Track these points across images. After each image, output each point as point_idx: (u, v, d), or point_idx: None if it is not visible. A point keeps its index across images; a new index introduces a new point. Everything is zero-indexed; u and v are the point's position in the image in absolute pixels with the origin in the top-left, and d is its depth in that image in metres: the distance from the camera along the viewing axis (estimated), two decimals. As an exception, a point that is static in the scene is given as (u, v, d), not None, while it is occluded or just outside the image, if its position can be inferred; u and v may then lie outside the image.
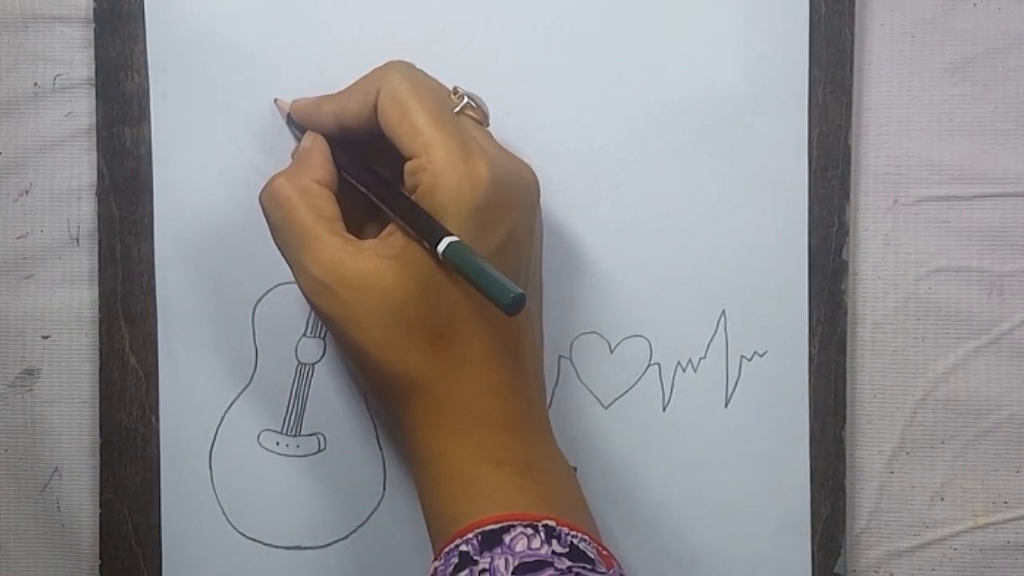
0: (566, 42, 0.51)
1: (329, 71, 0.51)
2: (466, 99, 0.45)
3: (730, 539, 0.52)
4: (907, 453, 0.53)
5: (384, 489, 0.52)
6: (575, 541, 0.42)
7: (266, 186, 0.45)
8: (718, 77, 0.51)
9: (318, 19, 0.51)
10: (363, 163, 0.46)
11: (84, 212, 0.53)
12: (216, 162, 0.51)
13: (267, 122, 0.51)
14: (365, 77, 0.45)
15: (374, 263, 0.43)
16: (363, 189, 0.46)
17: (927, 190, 0.52)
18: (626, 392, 0.52)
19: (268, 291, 0.52)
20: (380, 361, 0.44)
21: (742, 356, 0.52)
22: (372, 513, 0.52)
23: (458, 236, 0.41)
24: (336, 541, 0.52)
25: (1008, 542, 0.53)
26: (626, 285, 0.52)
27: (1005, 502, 0.53)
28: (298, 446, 0.52)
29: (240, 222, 0.51)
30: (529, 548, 0.41)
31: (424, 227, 0.42)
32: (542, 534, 0.41)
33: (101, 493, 0.52)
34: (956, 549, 0.53)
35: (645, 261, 0.52)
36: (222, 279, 0.51)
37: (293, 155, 0.49)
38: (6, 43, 0.52)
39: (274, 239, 0.45)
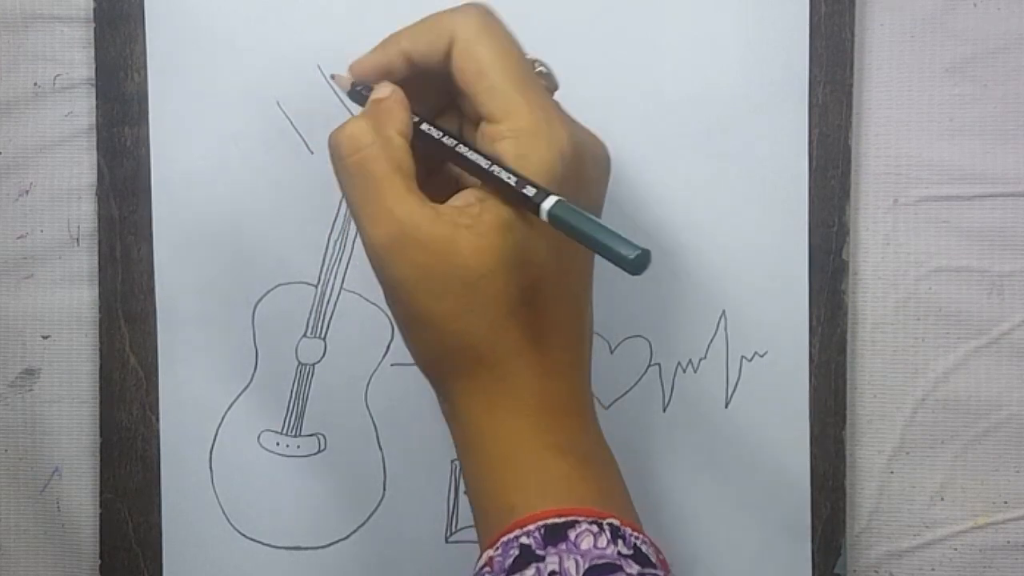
0: (566, 42, 0.51)
1: (329, 71, 0.51)
2: (540, 66, 0.43)
3: (730, 539, 0.52)
4: (907, 453, 0.53)
5: (384, 489, 0.52)
6: (638, 543, 0.39)
7: (342, 127, 0.41)
8: (718, 77, 0.51)
9: (318, 19, 0.51)
10: (445, 135, 0.42)
11: (84, 212, 0.53)
12: (216, 162, 0.51)
13: (267, 122, 0.51)
14: (437, 15, 0.42)
15: (450, 229, 0.39)
16: (449, 145, 0.42)
17: (927, 190, 0.52)
18: (626, 392, 0.52)
19: (268, 291, 0.52)
20: (447, 331, 0.40)
21: (742, 356, 0.52)
22: (372, 513, 0.52)
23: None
24: (336, 541, 0.52)
25: (1008, 542, 0.53)
26: (626, 285, 0.52)
27: (1005, 502, 0.53)
28: (298, 446, 0.52)
29: (240, 222, 0.51)
30: (596, 547, 0.38)
31: (518, 189, 0.39)
32: (607, 533, 0.39)
33: (101, 493, 0.52)
34: (956, 549, 0.53)
35: (645, 261, 0.52)
36: (222, 279, 0.51)
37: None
38: (6, 43, 0.52)
39: (342, 186, 0.41)
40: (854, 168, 0.52)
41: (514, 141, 0.40)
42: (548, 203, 0.38)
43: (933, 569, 0.53)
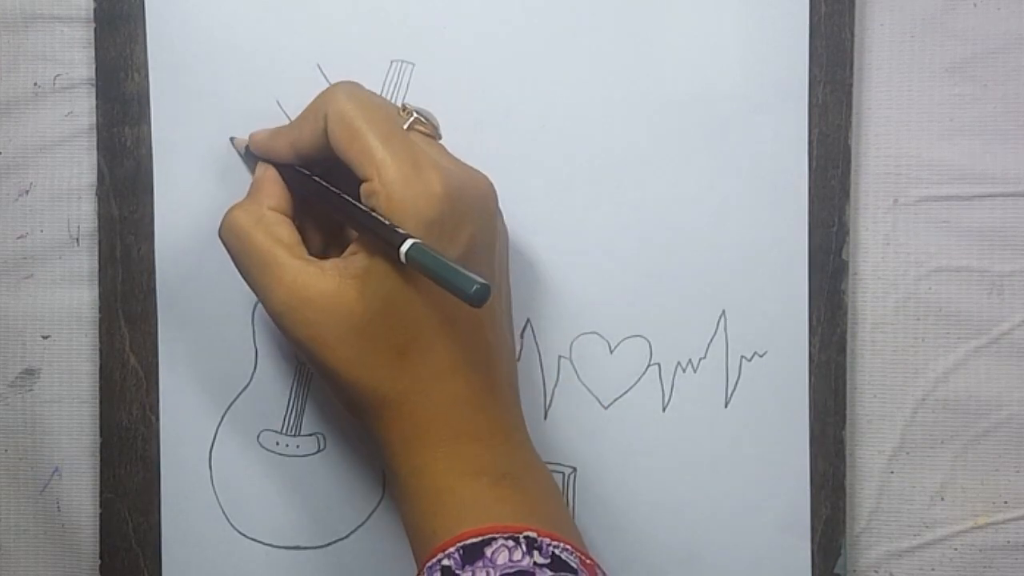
0: (567, 42, 0.51)
1: (329, 71, 0.51)
2: (415, 115, 0.45)
3: (730, 539, 0.52)
4: (907, 453, 0.53)
5: (384, 489, 0.52)
6: (557, 551, 0.41)
7: (223, 220, 0.46)
8: (718, 77, 0.51)
9: (318, 19, 0.51)
10: (322, 184, 0.46)
11: (84, 212, 0.53)
12: (216, 162, 0.51)
13: (267, 122, 0.51)
14: (312, 102, 0.45)
15: (336, 282, 0.43)
16: (326, 206, 0.46)
17: (927, 190, 0.52)
18: (626, 392, 0.52)
19: (268, 291, 0.51)
20: (349, 378, 0.44)
21: (742, 356, 0.52)
22: (372, 513, 0.52)
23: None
24: (336, 541, 0.52)
25: (1008, 542, 0.53)
26: (626, 285, 0.52)
27: (1005, 502, 0.53)
28: (298, 446, 0.52)
29: (240, 222, 0.51)
30: (511, 560, 0.41)
31: (385, 235, 0.42)
32: (523, 545, 0.41)
33: (101, 493, 0.52)
34: (956, 549, 0.53)
35: (645, 261, 0.52)
36: (222, 279, 0.51)
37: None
38: (6, 43, 0.52)
39: (238, 270, 0.46)
40: (854, 168, 0.52)
41: (385, 193, 0.42)
42: (405, 246, 0.41)
43: (933, 569, 0.53)
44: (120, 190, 0.51)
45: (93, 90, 0.51)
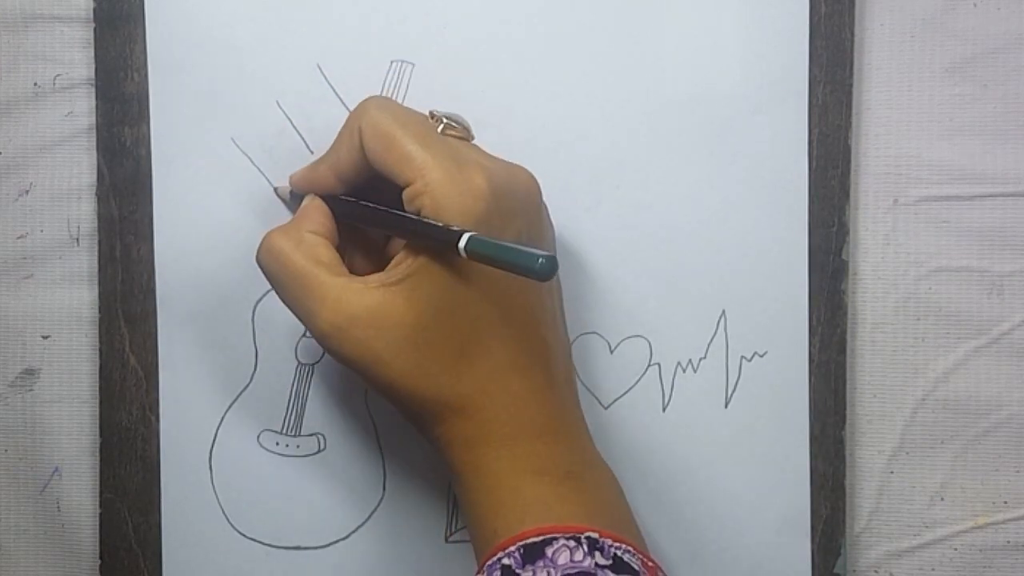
0: (566, 42, 0.51)
1: (329, 71, 0.51)
2: (445, 120, 0.45)
3: (730, 539, 0.52)
4: (907, 453, 0.53)
5: (384, 489, 0.52)
6: (619, 553, 0.41)
7: (261, 243, 0.45)
8: (718, 77, 0.51)
9: (318, 19, 0.51)
10: (367, 205, 0.46)
11: (84, 212, 0.53)
12: (216, 162, 0.51)
13: (267, 122, 0.51)
14: (345, 122, 0.45)
15: (380, 294, 0.42)
16: (373, 225, 0.45)
17: (927, 190, 0.52)
18: (626, 392, 0.52)
19: (268, 291, 0.51)
20: (408, 390, 0.43)
21: (742, 356, 0.52)
22: (372, 513, 0.52)
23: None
24: (336, 541, 0.52)
25: (1008, 542, 0.53)
26: (626, 285, 0.52)
27: (1005, 502, 0.53)
28: (298, 446, 0.52)
29: (240, 222, 0.51)
30: (572, 561, 0.40)
31: (440, 235, 0.41)
32: (585, 546, 0.41)
33: (101, 493, 0.52)
34: (956, 549, 0.53)
35: (645, 261, 0.52)
36: (222, 279, 0.51)
37: None
38: (6, 43, 0.52)
39: (278, 294, 0.45)
40: (854, 168, 0.52)
41: (430, 195, 0.42)
42: (463, 241, 0.40)
43: (933, 569, 0.53)
44: (120, 190, 0.51)
45: (93, 90, 0.51)
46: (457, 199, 0.42)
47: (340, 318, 0.42)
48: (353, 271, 0.45)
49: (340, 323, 0.42)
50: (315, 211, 0.46)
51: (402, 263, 0.43)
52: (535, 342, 0.45)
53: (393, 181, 0.43)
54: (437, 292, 0.42)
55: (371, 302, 0.42)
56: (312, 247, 0.44)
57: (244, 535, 0.52)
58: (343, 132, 0.45)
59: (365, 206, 0.46)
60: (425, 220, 0.42)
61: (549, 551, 0.41)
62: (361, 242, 0.48)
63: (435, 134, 0.44)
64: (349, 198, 0.47)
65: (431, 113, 0.46)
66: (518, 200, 0.44)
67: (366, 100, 0.45)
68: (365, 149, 0.44)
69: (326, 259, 0.44)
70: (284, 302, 0.45)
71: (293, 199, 0.49)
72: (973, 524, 0.53)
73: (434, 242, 0.42)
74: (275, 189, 0.51)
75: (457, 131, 0.45)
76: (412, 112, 0.45)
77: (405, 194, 0.43)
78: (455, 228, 0.41)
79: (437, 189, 0.42)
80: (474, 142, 0.46)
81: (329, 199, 0.47)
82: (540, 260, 0.38)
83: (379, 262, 0.48)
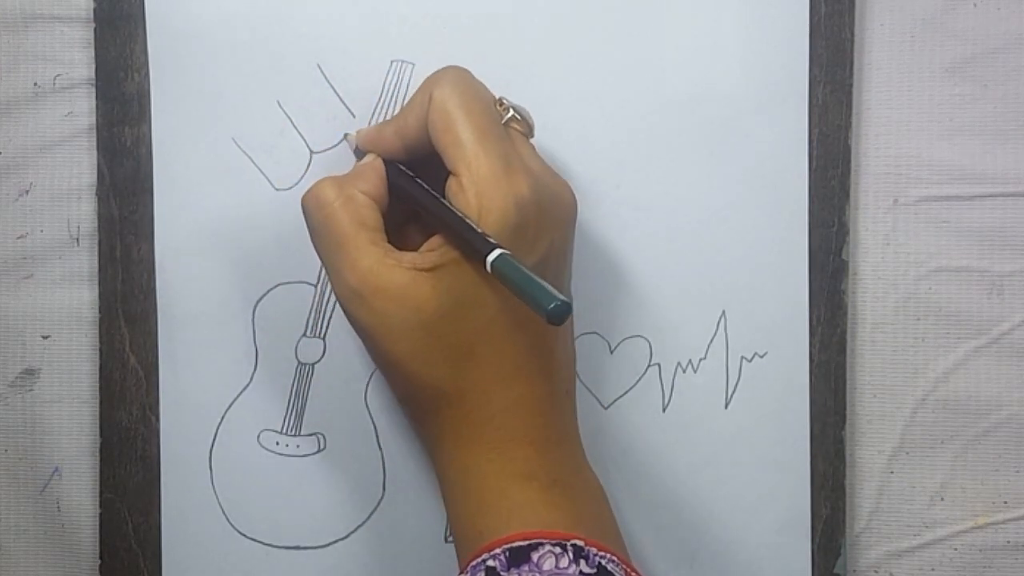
0: (566, 42, 0.51)
1: (329, 71, 0.51)
2: (511, 111, 0.45)
3: (730, 539, 0.52)
4: (907, 453, 0.53)
5: (384, 489, 0.52)
6: (603, 562, 0.41)
7: (310, 188, 0.45)
8: (718, 77, 0.51)
9: (318, 19, 0.51)
10: (419, 183, 0.46)
11: (84, 212, 0.53)
12: (216, 162, 0.51)
13: (267, 122, 0.51)
14: (420, 87, 0.45)
15: (410, 275, 0.42)
16: (419, 205, 0.45)
17: (927, 190, 0.52)
18: (626, 392, 0.52)
19: (268, 291, 0.52)
20: (410, 372, 0.43)
21: (742, 357, 0.52)
22: (372, 513, 0.52)
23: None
24: (336, 541, 0.52)
25: (1008, 542, 0.53)
26: (626, 285, 0.52)
27: (1005, 502, 0.53)
28: (298, 446, 0.52)
29: (240, 222, 0.51)
30: (557, 567, 0.40)
31: (474, 241, 0.41)
32: (570, 553, 0.41)
33: (101, 493, 0.52)
34: (956, 549, 0.53)
35: (645, 261, 0.52)
36: (222, 279, 0.51)
37: None
38: (6, 43, 0.52)
39: (313, 242, 0.45)
40: (854, 168, 0.52)
41: (473, 191, 0.42)
42: (492, 255, 0.40)
43: (933, 569, 0.53)
44: (120, 190, 0.51)
45: (93, 90, 0.51)
46: (499, 202, 0.42)
47: (366, 288, 0.42)
48: (390, 228, 0.45)
49: (365, 292, 0.42)
50: (371, 171, 0.46)
51: (436, 250, 0.43)
52: (543, 351, 0.45)
53: (444, 160, 0.43)
54: (461, 288, 0.42)
55: (400, 280, 0.42)
56: (359, 207, 0.44)
57: (244, 535, 0.52)
58: (416, 96, 0.45)
59: (417, 184, 0.45)
60: (466, 219, 0.42)
61: (535, 556, 0.41)
62: (408, 215, 0.48)
63: (497, 125, 0.44)
64: (407, 171, 0.46)
65: (500, 100, 0.45)
66: (556, 216, 0.44)
67: (445, 69, 0.45)
68: (428, 123, 0.43)
69: (370, 223, 0.44)
70: (316, 249, 0.45)
71: (358, 155, 0.49)
72: (973, 524, 0.53)
73: (466, 244, 0.42)
74: (345, 135, 0.50)
75: (520, 126, 0.45)
76: (481, 95, 0.45)
77: (449, 183, 0.43)
78: (491, 240, 0.41)
79: (481, 187, 0.42)
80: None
81: (389, 164, 0.46)
82: (555, 303, 0.38)
83: (417, 232, 0.47)
